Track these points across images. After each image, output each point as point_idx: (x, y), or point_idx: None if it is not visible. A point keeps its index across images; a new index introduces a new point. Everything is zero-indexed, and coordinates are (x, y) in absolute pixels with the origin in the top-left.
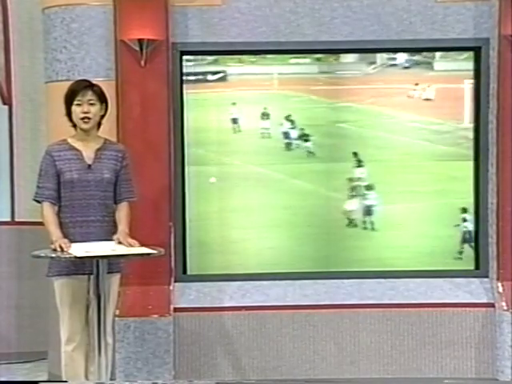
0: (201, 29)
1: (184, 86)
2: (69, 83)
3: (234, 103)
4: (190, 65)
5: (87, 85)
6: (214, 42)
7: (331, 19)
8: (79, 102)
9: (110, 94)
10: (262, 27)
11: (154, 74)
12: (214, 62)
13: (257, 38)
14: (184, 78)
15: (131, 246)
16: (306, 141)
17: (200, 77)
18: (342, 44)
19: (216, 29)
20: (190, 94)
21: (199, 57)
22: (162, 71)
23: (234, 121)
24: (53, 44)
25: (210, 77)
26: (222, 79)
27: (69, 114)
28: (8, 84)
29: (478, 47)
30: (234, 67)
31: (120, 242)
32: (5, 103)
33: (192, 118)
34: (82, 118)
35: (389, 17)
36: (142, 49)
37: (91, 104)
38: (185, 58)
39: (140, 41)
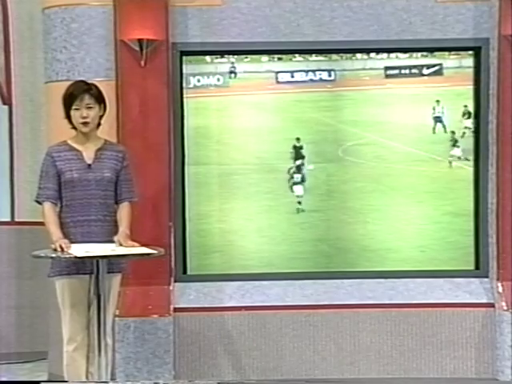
0: (201, 29)
1: (392, 79)
2: (69, 83)
3: (437, 101)
4: (405, 57)
5: (84, 89)
6: (214, 42)
7: (331, 19)
8: (77, 107)
9: (109, 94)
10: (262, 27)
11: (154, 74)
12: (431, 56)
13: (257, 37)
14: (393, 71)
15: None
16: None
17: (415, 71)
18: (341, 44)
19: (216, 29)
20: (395, 88)
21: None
22: (162, 71)
23: (437, 119)
24: (53, 44)
25: (424, 70)
26: (438, 72)
27: (68, 116)
28: (8, 84)
29: (478, 47)
30: (450, 60)
31: (120, 244)
32: (5, 103)
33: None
34: (82, 123)
35: (389, 17)
36: (142, 49)
37: (89, 108)
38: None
39: (140, 41)
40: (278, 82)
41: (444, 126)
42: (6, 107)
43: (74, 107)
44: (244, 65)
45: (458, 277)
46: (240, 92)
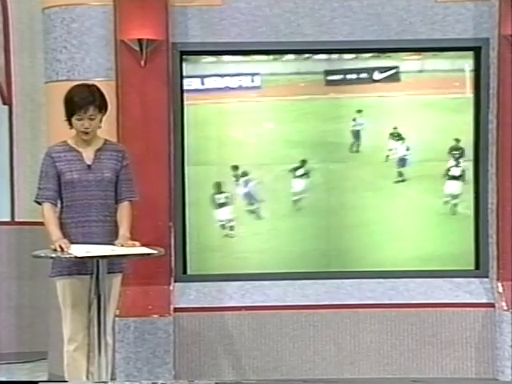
0: (201, 29)
1: (334, 87)
2: (69, 83)
3: (359, 111)
4: (351, 57)
5: (90, 101)
6: (214, 42)
7: (331, 19)
8: (80, 117)
9: (109, 94)
10: (262, 27)
11: (154, 74)
12: (384, 57)
13: (257, 37)
14: (335, 77)
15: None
16: None
17: (364, 75)
18: (341, 44)
19: (216, 29)
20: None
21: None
22: (162, 71)
23: (356, 134)
24: (53, 44)
25: (376, 75)
26: (393, 77)
27: (69, 118)
28: (8, 84)
29: (478, 47)
30: (409, 62)
31: (121, 245)
32: (5, 103)
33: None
34: (83, 131)
35: (389, 17)
36: (141, 49)
37: (92, 119)
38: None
39: (140, 41)
40: (185, 91)
41: (358, 144)
42: (6, 107)
43: (76, 116)
44: None
45: (458, 277)
46: None
